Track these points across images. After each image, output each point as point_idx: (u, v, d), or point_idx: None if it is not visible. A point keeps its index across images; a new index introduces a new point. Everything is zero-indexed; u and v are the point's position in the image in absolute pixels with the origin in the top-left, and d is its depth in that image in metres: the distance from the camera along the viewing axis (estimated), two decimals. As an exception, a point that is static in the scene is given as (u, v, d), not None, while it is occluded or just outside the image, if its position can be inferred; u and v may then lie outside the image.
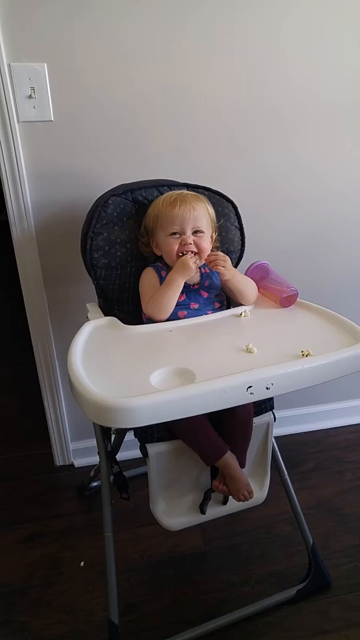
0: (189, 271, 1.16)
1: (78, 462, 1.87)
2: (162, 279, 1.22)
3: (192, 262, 1.16)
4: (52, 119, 1.38)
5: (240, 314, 1.19)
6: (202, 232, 1.21)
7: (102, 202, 1.25)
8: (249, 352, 0.99)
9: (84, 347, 1.05)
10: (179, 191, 1.26)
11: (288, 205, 1.66)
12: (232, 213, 1.36)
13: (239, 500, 1.17)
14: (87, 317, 1.25)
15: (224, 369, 0.92)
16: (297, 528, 1.45)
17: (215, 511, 1.25)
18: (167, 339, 1.09)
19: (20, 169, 1.40)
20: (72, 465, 1.89)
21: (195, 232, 1.20)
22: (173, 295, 1.18)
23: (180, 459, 1.18)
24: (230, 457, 1.13)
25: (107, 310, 1.29)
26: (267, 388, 0.89)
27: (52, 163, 1.43)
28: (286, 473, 1.42)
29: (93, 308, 1.29)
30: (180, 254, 1.19)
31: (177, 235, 1.20)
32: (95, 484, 1.72)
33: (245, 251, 1.40)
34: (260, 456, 1.29)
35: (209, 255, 1.20)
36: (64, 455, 1.86)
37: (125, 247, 1.27)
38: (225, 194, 1.35)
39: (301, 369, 0.92)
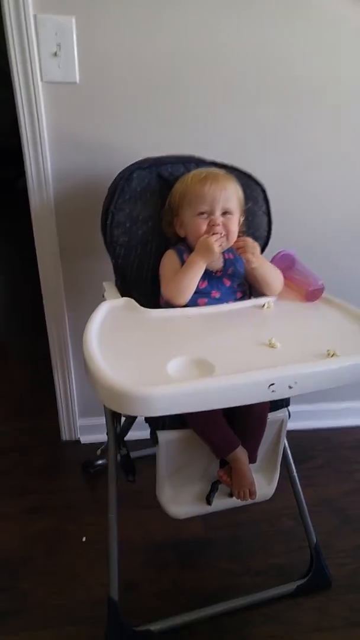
0: (212, 254, 1.11)
1: (84, 439, 1.86)
2: (183, 263, 1.17)
3: (217, 245, 1.10)
4: (77, 80, 1.31)
5: (263, 306, 1.14)
6: (232, 213, 1.15)
7: (126, 175, 1.19)
8: (272, 346, 0.95)
9: (100, 327, 1.01)
10: (209, 169, 1.20)
11: (319, 194, 1.60)
12: (261, 197, 1.30)
13: (239, 497, 1.14)
14: (104, 297, 1.21)
15: (245, 362, 0.88)
16: (301, 524, 1.42)
17: (221, 503, 1.22)
18: (185, 326, 1.05)
19: (41, 133, 1.34)
20: (78, 441, 1.88)
21: (224, 214, 1.15)
22: (193, 277, 1.13)
23: (190, 448, 1.15)
24: (240, 452, 1.10)
25: (124, 290, 1.24)
26: (289, 387, 0.85)
27: (74, 129, 1.37)
28: (295, 470, 1.40)
29: (110, 287, 1.24)
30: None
31: (205, 216, 1.14)
32: (100, 462, 1.71)
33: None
34: (271, 451, 1.26)
35: (237, 241, 1.14)
36: (71, 431, 1.85)
37: (146, 225, 1.22)
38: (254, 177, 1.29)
39: (327, 369, 0.87)
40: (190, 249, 1.18)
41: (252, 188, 1.29)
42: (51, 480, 1.70)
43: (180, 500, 1.20)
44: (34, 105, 1.31)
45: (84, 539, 1.48)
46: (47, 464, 1.78)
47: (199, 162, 1.27)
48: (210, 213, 1.14)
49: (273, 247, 1.32)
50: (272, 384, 0.83)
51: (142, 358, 0.91)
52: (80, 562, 1.42)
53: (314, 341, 0.98)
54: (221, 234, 1.13)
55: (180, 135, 1.42)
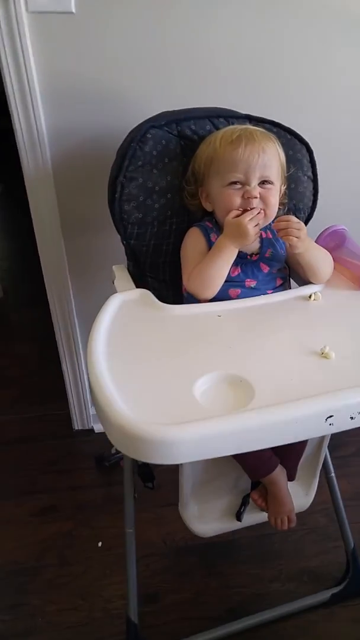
0: (245, 238, 0.91)
1: (98, 427, 1.71)
2: (211, 244, 0.97)
3: (252, 224, 0.89)
4: (73, 9, 1.07)
5: (310, 297, 0.94)
6: (272, 183, 0.94)
7: (139, 135, 0.97)
8: (325, 357, 0.76)
9: (108, 330, 0.83)
10: (242, 126, 0.97)
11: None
12: (306, 159, 1.08)
13: (275, 525, 0.99)
14: (113, 284, 1.02)
15: (293, 383, 0.70)
16: (335, 520, 1.30)
17: (252, 518, 1.09)
18: (214, 328, 0.86)
19: (30, 80, 1.12)
20: (91, 430, 1.74)
21: (262, 183, 0.93)
22: (222, 266, 0.93)
23: (217, 460, 0.98)
24: (279, 474, 0.95)
25: (138, 276, 1.06)
26: (351, 418, 0.67)
27: (72, 74, 1.14)
28: (333, 470, 1.25)
29: (121, 273, 1.05)
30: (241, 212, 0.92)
31: (239, 186, 0.93)
32: (116, 453, 1.57)
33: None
34: (310, 458, 1.10)
35: (278, 220, 0.92)
36: (82, 419, 1.70)
37: (165, 198, 1.01)
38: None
39: None
40: (220, 227, 0.97)
41: (295, 149, 1.07)
42: (62, 476, 1.57)
43: (207, 517, 1.07)
44: (18, 44, 1.07)
45: (99, 544, 1.37)
46: (57, 457, 1.64)
47: (230, 117, 1.04)
48: (245, 183, 0.93)
49: (316, 219, 1.11)
50: (331, 416, 0.65)
51: (162, 375, 0.73)
52: (96, 571, 1.30)
53: (375, 349, 0.79)
54: (258, 210, 0.92)
55: (207, 84, 1.19)
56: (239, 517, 1.06)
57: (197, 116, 1.02)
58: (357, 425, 0.68)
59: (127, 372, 0.73)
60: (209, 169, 0.96)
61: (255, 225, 0.91)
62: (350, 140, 1.35)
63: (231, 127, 0.98)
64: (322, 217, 1.11)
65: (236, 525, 1.08)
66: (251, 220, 0.90)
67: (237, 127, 0.96)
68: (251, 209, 0.92)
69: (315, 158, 1.09)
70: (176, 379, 0.72)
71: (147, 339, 0.83)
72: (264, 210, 0.93)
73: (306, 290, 0.96)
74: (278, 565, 1.33)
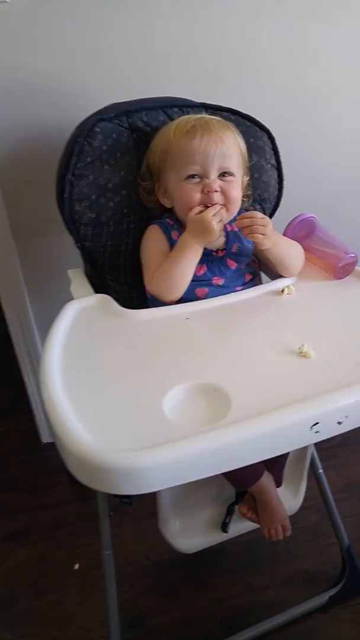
0: (210, 234, 0.84)
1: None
2: (172, 243, 0.90)
3: (216, 220, 0.83)
4: (7, -1, 0.98)
5: (282, 291, 0.88)
6: (232, 174, 0.88)
7: (86, 130, 0.90)
8: (304, 356, 0.70)
9: (64, 342, 0.75)
10: (198, 115, 0.91)
11: (332, 140, 1.32)
12: (268, 146, 1.01)
13: (270, 536, 0.93)
14: (70, 290, 0.94)
15: (272, 387, 0.64)
16: (326, 516, 1.25)
17: (239, 527, 1.03)
18: (183, 332, 0.79)
19: None
20: (61, 442, 1.64)
21: (222, 175, 0.87)
22: (187, 266, 0.86)
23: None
24: (267, 481, 0.89)
25: (96, 279, 0.98)
26: (338, 423, 0.61)
27: (12, 67, 1.06)
28: (321, 466, 1.20)
29: (77, 277, 0.98)
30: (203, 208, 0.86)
31: (197, 179, 0.87)
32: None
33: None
34: (296, 459, 1.04)
35: (241, 217, 0.85)
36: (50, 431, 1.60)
37: (119, 195, 0.94)
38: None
39: (387, 390, 0.63)
40: (181, 224, 0.91)
41: (256, 136, 1.00)
42: (32, 494, 1.47)
43: (190, 531, 1.02)
44: None
45: (76, 566, 1.28)
46: (26, 473, 1.54)
47: (185, 106, 0.97)
48: (204, 175, 0.86)
49: (283, 208, 1.05)
50: (317, 424, 0.59)
51: (126, 391, 0.66)
52: (73, 598, 1.21)
53: (357, 342, 0.73)
54: (220, 205, 0.86)
55: (159, 73, 1.12)
56: (224, 528, 1.01)
57: (149, 107, 0.96)
58: (345, 430, 0.62)
59: (86, 391, 0.65)
60: (164, 163, 0.89)
61: (219, 221, 0.85)
62: (313, 125, 1.30)
63: (186, 116, 0.92)
64: (290, 205, 1.05)
65: (222, 537, 1.03)
66: (215, 216, 0.84)
67: (191, 117, 0.90)
68: (212, 204, 0.85)
69: (278, 145, 1.03)
70: (143, 394, 0.65)
71: (108, 351, 0.75)
72: (225, 205, 0.87)
73: (278, 284, 0.90)
74: (271, 571, 1.27)
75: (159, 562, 1.28)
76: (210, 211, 0.83)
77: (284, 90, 1.24)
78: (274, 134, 1.02)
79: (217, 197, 0.86)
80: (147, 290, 0.93)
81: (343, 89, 1.29)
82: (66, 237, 0.97)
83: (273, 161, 1.03)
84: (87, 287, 0.94)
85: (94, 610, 1.17)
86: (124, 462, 0.53)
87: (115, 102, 0.96)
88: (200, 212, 0.85)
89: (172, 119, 0.94)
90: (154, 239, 0.93)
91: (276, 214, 1.07)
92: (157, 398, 0.63)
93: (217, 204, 0.85)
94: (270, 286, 0.90)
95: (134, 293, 1.00)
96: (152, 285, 0.89)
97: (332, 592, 1.19)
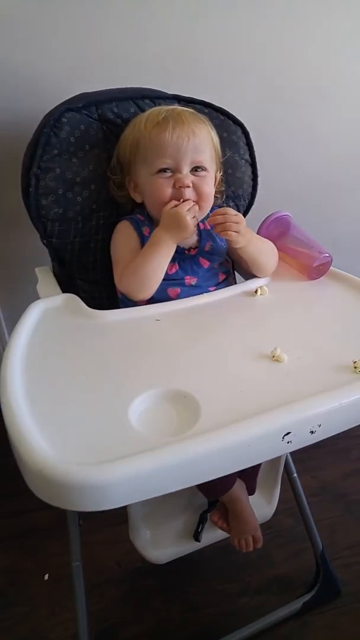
0: (185, 230, 0.81)
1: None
2: (143, 239, 0.86)
3: (190, 216, 0.79)
4: None
5: (256, 292, 0.84)
6: (205, 169, 0.84)
7: (52, 120, 0.86)
8: (276, 360, 0.67)
9: (28, 344, 0.71)
10: (170, 106, 0.88)
11: (307, 133, 1.30)
12: (242, 141, 0.99)
13: (240, 547, 0.90)
14: (37, 290, 0.90)
15: (243, 394, 0.61)
16: (300, 521, 1.22)
17: (211, 536, 1.00)
18: (152, 334, 0.75)
19: None
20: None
21: (194, 170, 0.84)
22: (160, 263, 0.82)
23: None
24: (239, 490, 0.86)
25: (64, 278, 0.94)
26: (311, 432, 0.58)
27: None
28: (295, 470, 1.17)
29: (44, 276, 0.93)
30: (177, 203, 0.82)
31: (169, 174, 0.83)
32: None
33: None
34: (270, 464, 1.01)
35: (213, 214, 0.82)
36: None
37: (88, 190, 0.90)
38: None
39: (362, 397, 0.60)
40: (152, 220, 0.87)
41: (230, 130, 0.97)
42: (1, 501, 1.42)
43: (161, 541, 0.99)
44: None
45: (46, 576, 1.23)
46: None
47: (157, 98, 0.94)
48: (175, 170, 0.83)
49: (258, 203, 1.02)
50: (288, 433, 0.56)
51: (91, 399, 0.62)
52: (43, 610, 1.16)
53: (331, 345, 0.71)
54: (192, 201, 0.82)
55: (130, 62, 1.08)
56: (197, 537, 0.98)
57: (120, 97, 0.92)
58: (318, 440, 0.59)
59: (48, 398, 0.61)
60: (135, 156, 0.85)
61: (193, 217, 0.82)
62: (289, 121, 1.27)
63: (157, 108, 0.88)
64: (265, 203, 1.02)
65: (194, 546, 0.99)
66: (189, 211, 0.81)
67: (163, 108, 0.86)
68: (184, 200, 0.82)
69: (252, 140, 1.00)
70: (108, 402, 0.61)
71: (73, 354, 0.71)
72: (197, 202, 0.84)
73: (251, 284, 0.87)
74: (245, 578, 1.24)
75: (131, 570, 1.24)
76: (185, 205, 0.80)
77: (261, 84, 1.21)
78: (249, 128, 0.99)
79: (189, 193, 0.83)
80: (117, 289, 0.89)
81: (324, 83, 1.28)
82: (34, 234, 0.93)
83: (247, 157, 1.00)
84: (55, 286, 0.90)
85: (64, 623, 1.13)
86: (84, 478, 0.49)
87: (85, 92, 0.91)
88: (175, 206, 0.82)
89: (143, 111, 0.90)
90: (124, 234, 0.89)
91: (251, 211, 1.05)
92: (123, 406, 0.59)
93: (189, 199, 0.82)
94: (243, 287, 0.87)
95: (103, 292, 0.96)
96: (122, 283, 0.85)
97: (306, 597, 1.17)
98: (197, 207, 0.83)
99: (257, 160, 1.02)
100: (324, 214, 1.45)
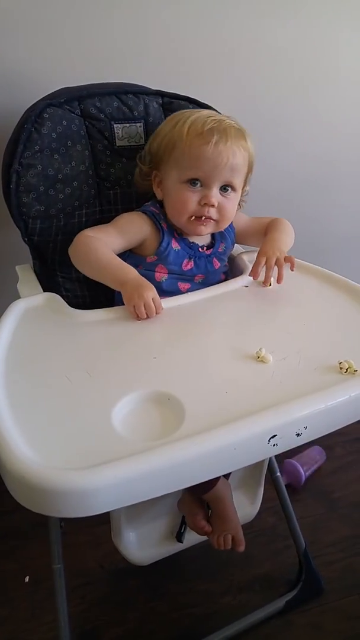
0: (131, 300, 0.76)
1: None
2: (162, 232, 0.87)
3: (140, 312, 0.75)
4: None
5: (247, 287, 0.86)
6: (234, 189, 0.84)
7: (34, 116, 0.83)
8: (262, 361, 0.66)
9: (7, 347, 0.69)
10: (217, 115, 0.84)
11: (293, 133, 1.31)
12: None
13: (218, 545, 0.90)
14: (17, 288, 0.88)
15: (228, 396, 0.60)
16: (283, 518, 1.22)
17: (194, 537, 0.99)
18: (135, 334, 0.74)
19: None
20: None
21: (223, 188, 0.83)
22: (103, 271, 0.81)
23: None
24: (223, 488, 0.85)
25: (45, 276, 0.92)
26: (297, 434, 0.57)
27: None
28: (278, 470, 1.17)
29: (25, 274, 0.91)
30: (193, 218, 0.83)
31: (198, 186, 0.82)
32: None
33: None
34: (253, 464, 1.00)
35: (256, 266, 0.83)
36: None
37: (71, 187, 0.88)
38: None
39: (348, 398, 0.60)
40: (166, 216, 0.88)
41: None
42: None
43: (144, 543, 0.97)
44: None
45: (26, 578, 1.21)
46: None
47: (140, 93, 0.92)
48: (205, 184, 0.82)
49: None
50: (274, 436, 0.55)
51: (73, 401, 0.61)
52: (23, 612, 1.15)
53: (316, 346, 0.70)
54: (211, 218, 0.84)
55: (113, 57, 1.05)
56: (179, 538, 0.97)
57: (102, 92, 0.90)
58: (304, 442, 0.59)
59: (29, 400, 0.60)
60: (168, 156, 0.84)
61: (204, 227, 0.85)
62: (276, 118, 1.27)
63: (204, 113, 0.84)
64: (251, 203, 1.02)
65: (177, 547, 0.99)
66: (204, 226, 0.84)
67: (210, 117, 0.82)
68: (205, 217, 0.82)
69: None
70: (90, 404, 0.60)
71: (54, 355, 0.69)
72: (218, 220, 0.85)
73: (239, 282, 0.86)
74: (228, 577, 1.24)
75: (114, 571, 1.23)
76: (141, 310, 0.75)
77: (248, 81, 1.20)
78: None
79: (212, 212, 0.83)
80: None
81: (312, 83, 1.27)
82: (14, 231, 0.91)
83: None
84: (36, 284, 0.88)
85: (44, 626, 1.11)
86: (68, 483, 0.48)
87: (66, 86, 0.89)
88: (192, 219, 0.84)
89: (127, 105, 0.90)
90: (134, 217, 0.88)
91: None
92: (106, 408, 0.58)
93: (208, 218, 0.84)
94: (228, 285, 0.86)
95: (85, 291, 0.95)
96: (81, 236, 0.83)
97: (289, 596, 1.17)
98: (213, 224, 0.85)
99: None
100: (312, 214, 1.45)
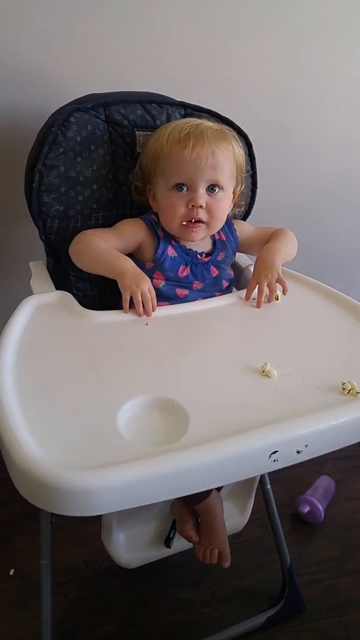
0: (128, 290, 0.79)
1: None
2: (158, 240, 0.89)
3: (137, 302, 0.78)
4: None
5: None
6: (221, 188, 0.85)
7: (61, 119, 0.85)
8: (266, 375, 0.68)
9: (19, 342, 0.70)
10: (195, 121, 0.86)
11: (308, 145, 1.31)
12: (245, 152, 0.98)
13: (203, 558, 0.91)
14: (30, 284, 0.89)
15: (232, 408, 0.62)
16: (269, 531, 1.22)
17: (182, 543, 0.99)
18: (144, 338, 0.76)
19: None
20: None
21: (210, 188, 0.84)
22: (101, 264, 0.84)
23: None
24: (215, 501, 0.86)
25: (58, 274, 0.93)
26: (297, 452, 0.58)
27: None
28: (269, 482, 1.17)
29: (39, 271, 0.92)
30: (184, 223, 0.85)
31: (185, 190, 0.84)
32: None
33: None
34: (246, 477, 1.01)
35: (248, 292, 0.86)
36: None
37: (90, 189, 0.90)
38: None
39: (349, 420, 0.61)
40: (164, 229, 0.90)
41: (234, 141, 0.97)
42: None
43: (133, 545, 0.97)
44: None
45: (11, 572, 1.21)
46: None
47: (164, 103, 0.94)
48: (191, 187, 0.83)
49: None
50: (275, 452, 0.56)
51: (80, 402, 0.62)
52: (6, 606, 1.15)
53: (321, 364, 0.71)
54: (201, 221, 0.85)
55: (141, 67, 1.08)
56: (168, 543, 0.98)
57: (128, 100, 0.92)
58: (303, 460, 0.60)
59: (39, 397, 0.61)
60: (155, 167, 0.86)
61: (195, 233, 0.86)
62: (289, 130, 1.29)
63: (182, 121, 0.87)
64: (262, 212, 1.04)
65: (165, 552, 0.99)
66: (195, 232, 0.86)
67: (187, 123, 0.85)
68: (195, 221, 0.84)
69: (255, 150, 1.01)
70: (97, 405, 0.61)
71: (64, 354, 0.71)
72: (208, 222, 0.86)
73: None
74: (210, 587, 1.24)
75: (99, 570, 1.24)
76: (137, 300, 0.78)
77: (267, 95, 1.22)
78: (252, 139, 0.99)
79: (201, 213, 0.84)
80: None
81: (330, 95, 1.28)
82: (31, 228, 0.92)
83: (249, 167, 1.00)
84: (48, 282, 0.89)
85: (27, 620, 1.12)
86: (72, 482, 0.49)
87: (94, 92, 0.91)
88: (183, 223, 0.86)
89: (150, 114, 0.91)
90: (132, 223, 0.91)
91: (247, 220, 1.06)
92: (112, 410, 0.59)
93: (198, 220, 0.85)
94: (238, 295, 0.87)
95: (96, 291, 0.96)
96: (80, 235, 0.87)
97: (270, 612, 1.16)
98: (205, 227, 0.86)
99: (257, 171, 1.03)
100: (323, 226, 1.46)
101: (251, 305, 0.85)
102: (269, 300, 0.85)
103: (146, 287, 0.77)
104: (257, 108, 1.21)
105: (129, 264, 0.82)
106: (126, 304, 0.77)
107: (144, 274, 0.80)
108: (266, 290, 0.84)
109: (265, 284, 0.84)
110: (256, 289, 0.85)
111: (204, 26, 1.09)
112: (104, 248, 0.84)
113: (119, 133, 0.91)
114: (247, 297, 0.85)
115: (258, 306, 0.84)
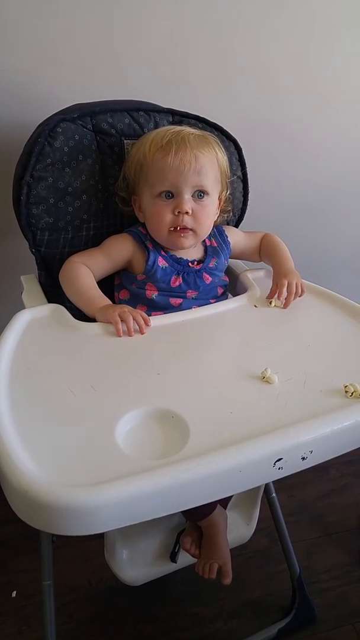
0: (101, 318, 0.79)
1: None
2: (148, 252, 0.87)
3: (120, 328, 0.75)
4: None
5: (256, 306, 0.85)
6: (207, 193, 0.84)
7: (47, 130, 0.84)
8: (267, 381, 0.66)
9: (12, 358, 0.68)
10: (176, 127, 0.86)
11: (298, 147, 1.29)
12: (235, 157, 0.98)
13: (203, 573, 0.90)
14: (22, 299, 0.87)
15: (233, 416, 0.60)
16: (277, 540, 1.21)
17: (188, 558, 0.97)
18: (140, 349, 0.74)
19: None
20: None
21: (198, 194, 0.84)
22: (81, 304, 0.83)
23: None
24: (219, 515, 0.83)
25: (50, 287, 0.92)
26: (303, 458, 0.56)
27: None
28: (274, 490, 1.15)
29: (30, 285, 0.91)
30: (171, 229, 0.83)
31: (170, 198, 0.83)
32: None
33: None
34: (251, 486, 0.99)
35: (280, 288, 0.85)
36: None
37: (80, 200, 0.88)
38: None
39: (354, 423, 0.59)
40: (154, 240, 0.89)
41: (223, 146, 0.95)
42: None
43: (137, 562, 0.95)
44: None
45: (13, 593, 1.18)
46: None
47: (151, 111, 0.93)
48: (176, 194, 0.83)
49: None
50: (280, 459, 0.55)
51: (76, 416, 0.60)
52: (10, 628, 1.12)
53: (322, 368, 0.70)
54: (187, 228, 0.84)
55: (127, 75, 1.07)
56: (173, 558, 0.95)
57: (115, 108, 0.90)
58: (308, 466, 0.58)
59: (33, 414, 0.59)
60: (139, 177, 0.85)
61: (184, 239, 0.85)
62: (281, 135, 1.27)
63: (164, 129, 0.87)
64: (254, 218, 1.03)
65: (170, 567, 0.97)
66: (183, 237, 0.85)
67: (169, 130, 0.85)
68: (182, 228, 0.83)
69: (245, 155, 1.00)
70: (94, 420, 0.59)
71: (59, 368, 0.69)
72: (194, 229, 0.85)
73: (243, 300, 0.86)
74: (219, 601, 1.21)
75: (103, 588, 1.21)
76: (130, 317, 0.76)
77: (253, 98, 1.20)
78: (241, 143, 0.99)
79: (187, 220, 0.83)
80: (115, 294, 0.91)
81: (318, 97, 1.27)
82: (21, 241, 0.91)
83: (239, 173, 0.99)
84: (41, 295, 0.88)
85: (32, 641, 1.09)
86: (68, 500, 0.47)
87: (80, 102, 0.90)
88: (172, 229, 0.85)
89: (138, 123, 0.90)
90: (119, 240, 0.90)
91: (240, 226, 1.05)
92: (109, 424, 0.58)
93: (184, 228, 0.84)
94: (234, 302, 0.86)
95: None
96: (68, 262, 0.87)
97: (282, 624, 1.14)
98: (192, 235, 0.85)
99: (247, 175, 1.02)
100: (321, 229, 1.45)
101: (246, 311, 0.84)
102: (286, 304, 0.85)
103: (126, 308, 0.76)
104: (251, 110, 1.20)
105: (103, 304, 0.80)
106: (118, 325, 0.74)
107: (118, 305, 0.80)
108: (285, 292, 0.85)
109: (294, 286, 0.85)
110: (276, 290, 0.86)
111: (191, 31, 1.08)
112: (86, 285, 0.84)
113: (107, 142, 0.90)
114: (280, 295, 0.85)
115: (286, 306, 0.84)
